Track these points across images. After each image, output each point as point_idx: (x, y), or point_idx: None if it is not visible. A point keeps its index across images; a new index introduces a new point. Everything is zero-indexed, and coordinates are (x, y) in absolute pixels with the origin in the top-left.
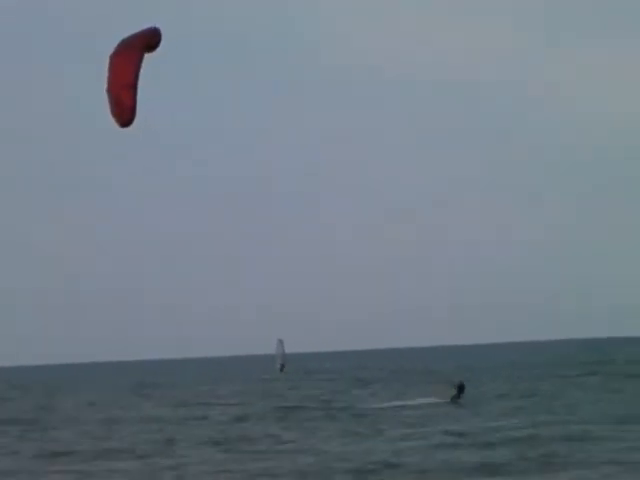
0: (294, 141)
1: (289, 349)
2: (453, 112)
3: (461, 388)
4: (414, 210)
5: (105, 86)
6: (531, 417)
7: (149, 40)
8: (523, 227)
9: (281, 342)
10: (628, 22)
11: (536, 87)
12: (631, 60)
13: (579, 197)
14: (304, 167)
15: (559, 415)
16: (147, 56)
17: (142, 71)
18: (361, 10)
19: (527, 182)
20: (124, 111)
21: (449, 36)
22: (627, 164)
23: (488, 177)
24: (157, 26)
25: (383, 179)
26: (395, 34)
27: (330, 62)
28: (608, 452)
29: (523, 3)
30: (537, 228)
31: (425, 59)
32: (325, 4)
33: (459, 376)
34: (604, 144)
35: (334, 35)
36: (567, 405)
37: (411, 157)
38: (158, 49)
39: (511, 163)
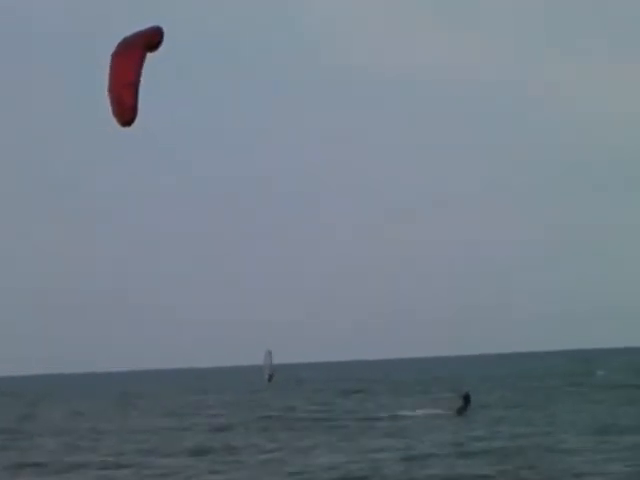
0: (294, 141)
1: (280, 360)
2: (453, 112)
3: (467, 399)
4: (414, 210)
5: (106, 86)
6: (515, 428)
7: (150, 39)
8: (523, 227)
9: (269, 353)
10: (628, 23)
11: (536, 87)
12: (631, 60)
13: (578, 196)
14: (304, 167)
15: (543, 426)
16: (146, 55)
17: (143, 71)
18: (361, 10)
19: (527, 182)
20: (125, 110)
21: (449, 36)
22: (627, 164)
23: (488, 177)
24: (159, 25)
25: (383, 179)
26: (395, 34)
27: (330, 62)
28: (589, 463)
29: (523, 3)
30: (537, 228)
31: (425, 59)
32: (325, 4)
33: (464, 386)
34: (604, 144)
35: (334, 35)
36: (551, 415)
37: (411, 157)
38: (158, 48)
39: (511, 163)
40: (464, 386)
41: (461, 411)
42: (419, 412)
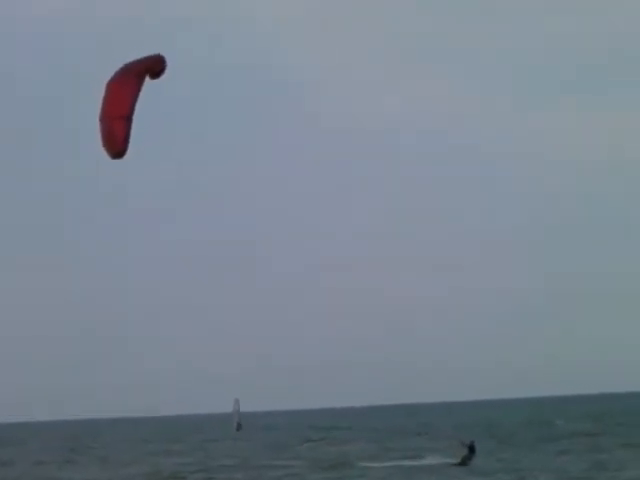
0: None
1: (252, 408)
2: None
3: (472, 449)
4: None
5: (98, 114)
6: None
7: (151, 66)
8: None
9: (237, 401)
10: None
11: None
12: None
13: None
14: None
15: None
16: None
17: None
18: (363, 77)
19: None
20: (116, 143)
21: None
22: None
23: None
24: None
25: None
26: (400, 103)
27: (330, 126)
28: None
29: (522, 67)
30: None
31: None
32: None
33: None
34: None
35: (335, 104)
36: (520, 464)
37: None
38: (161, 76)
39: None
40: (466, 436)
41: (466, 460)
42: (426, 461)
